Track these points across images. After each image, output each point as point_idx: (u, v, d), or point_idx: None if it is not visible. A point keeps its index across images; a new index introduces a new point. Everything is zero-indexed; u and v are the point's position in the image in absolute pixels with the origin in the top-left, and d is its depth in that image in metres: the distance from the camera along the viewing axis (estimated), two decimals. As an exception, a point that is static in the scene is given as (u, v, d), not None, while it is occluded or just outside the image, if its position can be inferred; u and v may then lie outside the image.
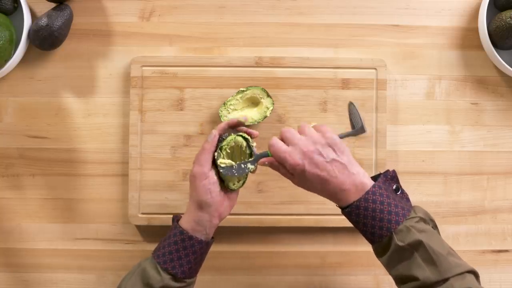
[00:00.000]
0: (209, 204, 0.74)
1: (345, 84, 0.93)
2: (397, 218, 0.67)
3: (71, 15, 0.91)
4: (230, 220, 0.90)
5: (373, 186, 0.69)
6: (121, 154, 0.94)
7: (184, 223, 0.75)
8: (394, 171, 0.72)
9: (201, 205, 0.74)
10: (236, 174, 0.76)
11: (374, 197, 0.68)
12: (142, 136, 0.92)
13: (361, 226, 0.69)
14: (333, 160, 0.69)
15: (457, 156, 0.96)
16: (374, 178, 0.72)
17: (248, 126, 0.91)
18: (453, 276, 0.65)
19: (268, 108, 0.91)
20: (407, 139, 0.95)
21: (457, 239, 0.96)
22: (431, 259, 0.65)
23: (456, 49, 0.96)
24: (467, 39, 0.96)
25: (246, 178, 0.79)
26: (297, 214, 0.92)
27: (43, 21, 0.88)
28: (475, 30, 0.96)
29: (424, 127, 0.96)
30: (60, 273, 0.94)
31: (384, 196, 0.68)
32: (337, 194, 0.70)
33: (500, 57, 0.91)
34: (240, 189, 0.79)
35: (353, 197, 0.69)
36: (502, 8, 0.93)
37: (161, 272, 0.72)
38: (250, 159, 0.78)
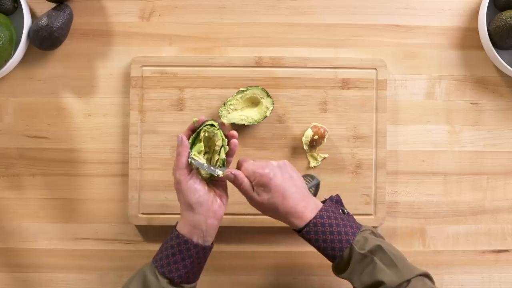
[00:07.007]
0: (200, 202, 0.73)
1: (345, 84, 0.93)
2: (352, 230, 0.73)
3: (71, 15, 0.91)
4: (230, 220, 0.90)
5: (325, 205, 0.75)
6: (121, 154, 0.94)
7: (181, 228, 0.74)
8: (337, 195, 0.78)
9: (191, 207, 0.73)
10: (206, 170, 0.75)
11: (328, 214, 0.73)
12: (142, 136, 0.92)
13: (321, 244, 0.73)
14: (293, 178, 0.75)
15: (457, 156, 0.96)
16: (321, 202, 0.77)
17: (248, 126, 0.92)
18: (413, 278, 0.69)
19: (268, 108, 0.91)
20: (407, 139, 0.95)
21: (457, 239, 0.96)
22: (391, 262, 0.70)
23: (456, 49, 0.96)
24: (467, 39, 0.96)
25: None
26: (297, 214, 0.92)
27: (43, 21, 0.88)
28: (475, 30, 0.96)
29: (424, 127, 0.96)
30: (60, 273, 0.94)
31: (336, 213, 0.74)
32: (295, 212, 0.73)
33: (500, 57, 0.91)
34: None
35: (309, 215, 0.73)
36: (502, 8, 0.93)
37: (159, 276, 0.72)
38: (222, 167, 0.76)
